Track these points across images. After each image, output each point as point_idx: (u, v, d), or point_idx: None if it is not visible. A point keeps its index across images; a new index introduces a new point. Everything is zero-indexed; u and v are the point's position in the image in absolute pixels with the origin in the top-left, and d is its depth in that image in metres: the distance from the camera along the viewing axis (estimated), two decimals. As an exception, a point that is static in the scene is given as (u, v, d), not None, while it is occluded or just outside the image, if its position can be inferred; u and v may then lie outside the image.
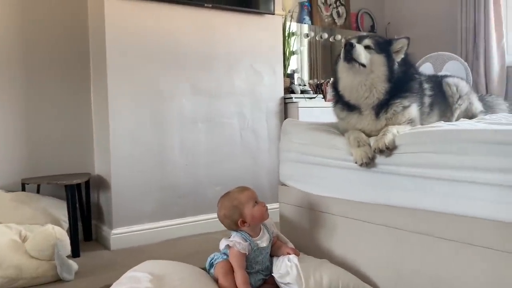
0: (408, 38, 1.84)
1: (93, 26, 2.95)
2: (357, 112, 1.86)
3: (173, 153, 2.98)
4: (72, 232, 2.56)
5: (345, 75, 1.84)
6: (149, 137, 2.89)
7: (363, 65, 1.76)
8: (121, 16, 2.76)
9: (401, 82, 1.82)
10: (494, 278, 1.39)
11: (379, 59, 1.79)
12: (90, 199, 2.95)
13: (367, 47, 1.80)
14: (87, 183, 2.92)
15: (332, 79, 2.03)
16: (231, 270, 1.69)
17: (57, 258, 2.13)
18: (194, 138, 3.07)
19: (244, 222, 1.75)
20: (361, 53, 1.76)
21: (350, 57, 1.75)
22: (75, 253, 2.53)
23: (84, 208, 2.91)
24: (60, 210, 2.68)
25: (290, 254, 1.78)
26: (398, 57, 1.84)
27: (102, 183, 2.92)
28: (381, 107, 1.80)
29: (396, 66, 1.81)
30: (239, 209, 1.75)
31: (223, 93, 3.19)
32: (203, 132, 3.11)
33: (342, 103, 1.92)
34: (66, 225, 2.63)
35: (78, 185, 2.79)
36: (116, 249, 2.72)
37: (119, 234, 2.76)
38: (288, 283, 1.65)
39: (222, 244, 1.77)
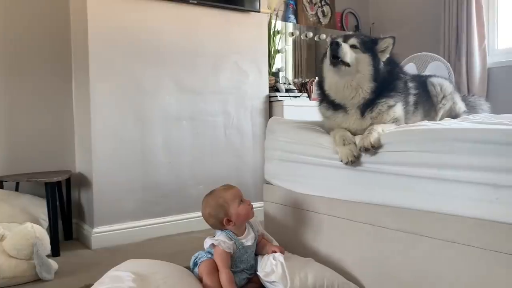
0: (393, 38, 1.85)
1: (75, 21, 2.89)
2: (343, 111, 1.86)
3: (157, 151, 2.94)
4: (52, 231, 2.51)
5: (331, 75, 1.84)
6: (132, 135, 2.84)
7: (348, 65, 1.76)
8: (104, 11, 2.71)
9: (387, 82, 1.83)
10: (476, 275, 1.40)
11: (365, 59, 1.80)
12: (71, 197, 2.89)
13: (353, 46, 1.80)
14: (67, 180, 2.86)
15: (317, 78, 2.02)
16: (215, 269, 1.67)
17: (36, 257, 2.08)
18: (178, 136, 3.03)
19: (229, 220, 1.73)
20: (347, 52, 1.76)
21: (336, 61, 1.75)
22: (55, 252, 2.48)
23: (65, 206, 2.86)
24: (40, 208, 2.62)
25: (275, 252, 1.77)
26: (384, 57, 1.84)
27: (83, 181, 2.87)
28: (367, 106, 1.81)
29: (381, 65, 1.81)
30: (224, 208, 1.74)
31: (208, 91, 3.17)
32: (187, 130, 3.08)
33: (327, 102, 1.92)
34: (46, 223, 2.57)
35: (59, 182, 2.73)
36: (97, 248, 2.67)
37: (101, 233, 2.72)
38: (273, 281, 1.64)
39: (207, 243, 1.75)
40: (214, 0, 3.11)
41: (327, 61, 1.83)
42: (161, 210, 2.96)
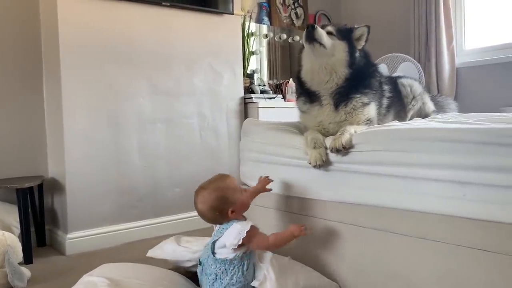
0: (368, 26, 1.91)
1: (46, 22, 2.84)
2: (318, 104, 1.90)
3: (131, 154, 2.92)
4: (25, 238, 2.45)
5: (307, 59, 1.87)
6: (106, 138, 2.81)
7: (324, 46, 1.79)
8: (75, 13, 2.67)
9: (362, 74, 1.87)
10: (447, 270, 1.44)
11: (341, 45, 1.84)
12: (44, 203, 2.84)
13: (329, 33, 1.84)
14: (40, 186, 2.81)
15: (296, 69, 2.04)
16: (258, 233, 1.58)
17: (8, 265, 2.04)
18: (152, 138, 3.02)
19: (233, 211, 1.59)
20: (323, 34, 1.80)
21: (311, 38, 1.78)
22: (27, 260, 2.43)
23: (37, 212, 2.80)
24: (11, 215, 2.56)
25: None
26: (359, 45, 1.90)
27: (56, 186, 2.82)
28: (341, 98, 1.84)
29: (357, 53, 1.87)
30: (228, 198, 1.60)
31: (182, 93, 3.16)
32: (162, 132, 3.06)
33: (304, 95, 1.96)
34: (17, 230, 2.52)
35: (31, 188, 2.67)
36: (71, 254, 2.63)
37: (75, 239, 2.68)
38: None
39: (230, 242, 1.52)
40: (187, 2, 3.11)
41: (304, 46, 1.87)
42: (137, 213, 2.94)
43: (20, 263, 2.14)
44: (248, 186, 2.23)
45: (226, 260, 1.53)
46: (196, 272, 1.80)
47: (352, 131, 1.72)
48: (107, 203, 2.81)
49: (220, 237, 1.55)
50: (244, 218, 1.65)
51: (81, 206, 2.71)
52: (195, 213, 3.24)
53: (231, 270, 1.53)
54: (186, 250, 1.85)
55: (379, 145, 1.60)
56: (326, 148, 1.77)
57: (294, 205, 1.96)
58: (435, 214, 1.46)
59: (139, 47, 2.94)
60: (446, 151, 1.42)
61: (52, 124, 2.85)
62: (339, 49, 1.83)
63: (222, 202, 1.58)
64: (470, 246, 1.38)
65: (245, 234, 1.50)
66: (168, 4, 3.01)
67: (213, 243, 1.57)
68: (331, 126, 1.86)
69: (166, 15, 3.05)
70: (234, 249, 1.52)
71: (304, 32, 1.82)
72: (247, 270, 1.55)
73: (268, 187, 1.82)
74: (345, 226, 1.74)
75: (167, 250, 1.88)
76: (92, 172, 2.75)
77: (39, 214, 2.81)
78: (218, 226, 1.62)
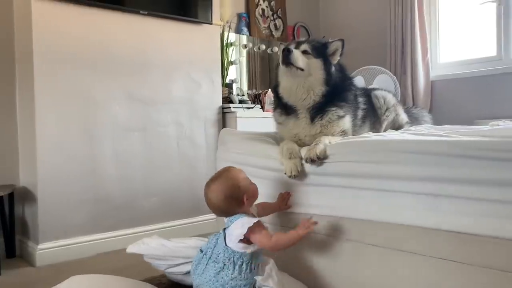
0: (342, 40, 1.92)
1: (19, 29, 2.78)
2: (294, 116, 1.90)
3: (106, 163, 2.87)
4: (-8, 249, 2.38)
5: (285, 78, 1.88)
6: (80, 147, 2.76)
7: (301, 69, 1.81)
8: (49, 20, 2.63)
9: (338, 88, 1.89)
10: (420, 282, 1.45)
11: (317, 64, 1.85)
12: (14, 213, 2.76)
13: (304, 52, 1.85)
14: (10, 195, 2.73)
15: (272, 87, 2.05)
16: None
17: (-26, 277, 1.97)
18: (128, 147, 2.97)
19: (247, 198, 1.58)
20: (298, 58, 1.81)
21: (288, 62, 1.79)
22: (-5, 271, 2.36)
23: (7, 222, 2.72)
24: (-21, 225, 2.49)
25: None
26: (334, 59, 1.91)
27: (27, 195, 2.74)
28: (317, 111, 1.86)
29: (333, 69, 1.88)
30: (240, 185, 1.58)
31: (159, 101, 3.13)
32: (138, 141, 3.03)
33: (281, 107, 1.96)
34: (-15, 241, 2.44)
35: (0, 197, 2.60)
36: (42, 266, 2.56)
37: (46, 249, 2.61)
38: (271, 286, 1.53)
39: (234, 237, 1.51)
40: (166, 11, 3.10)
41: (281, 67, 1.88)
42: (111, 223, 2.88)
43: (-14, 275, 2.07)
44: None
45: (236, 252, 1.51)
46: (171, 283, 1.78)
47: (326, 142, 1.73)
48: (80, 213, 2.75)
49: (229, 226, 1.55)
50: (253, 215, 1.63)
51: (53, 216, 2.65)
52: (172, 223, 3.22)
53: (239, 264, 1.51)
54: (182, 244, 1.78)
55: (352, 156, 1.61)
56: (301, 158, 1.77)
57: (269, 216, 1.94)
58: (408, 226, 1.47)
59: (116, 55, 2.91)
60: (418, 163, 1.44)
61: (24, 131, 2.79)
62: (316, 67, 1.85)
63: (236, 189, 1.57)
64: (443, 258, 1.40)
65: (247, 227, 1.49)
66: (146, 12, 3.00)
67: (224, 230, 1.57)
68: (307, 139, 1.87)
69: (144, 24, 3.04)
70: (242, 241, 1.50)
71: (280, 56, 1.83)
72: (255, 269, 1.54)
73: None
74: (319, 237, 1.74)
75: (154, 244, 1.80)
76: (65, 181, 2.69)
77: (9, 224, 2.73)
78: (226, 219, 1.60)
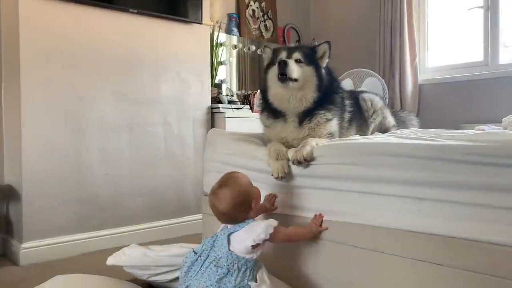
0: (328, 42, 1.93)
1: (6, 25, 2.75)
2: (282, 120, 1.91)
3: (93, 162, 2.85)
4: (-25, 247, 2.35)
5: (278, 87, 1.86)
6: (66, 145, 2.73)
7: (295, 80, 1.81)
8: (37, 17, 2.61)
9: (328, 92, 1.90)
10: (402, 284, 1.47)
11: (310, 71, 1.86)
12: (-2, 211, 2.73)
13: (297, 61, 1.85)
14: (-6, 193, 2.70)
15: (260, 88, 2.05)
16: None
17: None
18: (115, 146, 2.95)
19: (255, 204, 1.58)
20: (294, 70, 1.81)
21: (284, 77, 1.79)
22: (-23, 270, 2.32)
23: (-9, 220, 2.69)
24: (-38, 223, 2.45)
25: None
26: (323, 63, 1.92)
27: (12, 194, 2.71)
28: (306, 115, 1.86)
29: (324, 74, 1.89)
30: (249, 190, 1.58)
31: (148, 101, 3.12)
32: (125, 140, 3.01)
33: (268, 110, 1.96)
34: (-32, 239, 2.41)
35: (-16, 195, 2.57)
36: (26, 265, 2.53)
37: (30, 248, 2.58)
38: None
39: (248, 241, 1.48)
40: (156, 10, 3.09)
41: (271, 72, 1.89)
42: (96, 223, 2.86)
43: (-32, 274, 2.04)
44: (211, 196, 2.20)
45: (241, 258, 1.48)
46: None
47: (313, 144, 1.74)
48: (65, 212, 2.73)
49: (237, 231, 1.51)
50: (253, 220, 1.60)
51: (38, 215, 2.62)
52: (158, 223, 3.20)
53: (243, 270, 1.47)
54: (164, 253, 1.76)
55: (338, 158, 1.63)
56: (288, 160, 1.78)
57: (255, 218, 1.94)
58: (391, 229, 1.49)
59: (104, 53, 2.89)
60: (401, 166, 1.45)
61: (9, 129, 2.75)
62: (309, 75, 1.85)
63: (245, 196, 1.55)
64: (425, 260, 1.41)
65: (269, 233, 1.48)
66: (136, 11, 2.98)
67: (229, 235, 1.51)
68: (294, 142, 1.88)
69: (133, 22, 3.02)
70: (253, 247, 1.47)
71: (276, 67, 1.81)
72: (257, 274, 1.52)
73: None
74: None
75: (135, 254, 1.77)
76: (51, 180, 2.67)
77: (-7, 222, 2.70)
78: (229, 226, 1.55)
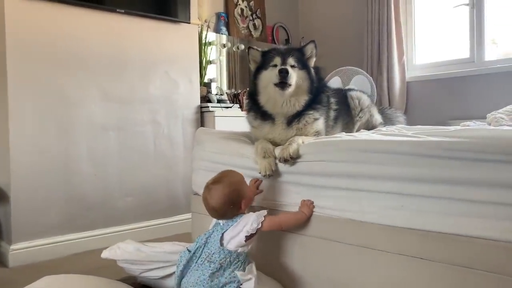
0: (314, 42, 1.94)
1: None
2: (270, 122, 1.92)
3: (81, 162, 2.84)
4: (-37, 249, 2.34)
5: (271, 92, 1.86)
6: (54, 145, 2.72)
7: (290, 85, 1.82)
8: (24, 17, 2.60)
9: (317, 92, 1.92)
10: (387, 278, 1.49)
11: (303, 75, 1.88)
12: (-14, 213, 2.71)
13: (292, 66, 1.86)
14: (-18, 195, 2.68)
15: (250, 90, 2.04)
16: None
17: None
18: (104, 146, 2.95)
19: (245, 203, 1.63)
20: (293, 76, 1.82)
21: (284, 85, 1.79)
22: (-35, 273, 2.31)
23: (-21, 222, 2.67)
24: (-51, 225, 2.44)
25: None
26: (311, 63, 1.94)
27: (0, 195, 2.69)
28: (295, 117, 1.88)
29: (314, 76, 1.91)
30: (241, 191, 1.62)
31: (136, 100, 3.12)
32: (114, 140, 3.00)
33: (255, 111, 1.97)
34: (-45, 241, 2.39)
35: (-28, 197, 2.55)
36: (14, 266, 2.52)
37: (19, 250, 2.57)
38: (250, 278, 1.57)
39: (249, 226, 1.54)
40: (143, 9, 3.08)
41: (263, 77, 1.89)
42: (85, 223, 2.85)
43: (-44, 276, 2.03)
44: (200, 195, 2.22)
45: (233, 252, 1.53)
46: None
47: (300, 142, 1.76)
48: (54, 213, 2.72)
49: (228, 229, 1.56)
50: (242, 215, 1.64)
51: (27, 216, 2.61)
52: (148, 222, 3.20)
53: (235, 263, 1.54)
54: (158, 249, 1.78)
55: (324, 155, 1.65)
56: (275, 157, 1.80)
57: (243, 214, 1.96)
58: (378, 225, 1.51)
59: (92, 53, 2.89)
60: (384, 162, 1.48)
61: (-3, 130, 2.74)
62: (302, 79, 1.87)
63: (236, 195, 1.60)
64: (409, 255, 1.44)
65: (260, 222, 1.55)
66: (123, 11, 2.98)
67: (222, 234, 1.56)
68: (283, 142, 1.89)
69: (121, 22, 3.01)
70: (246, 239, 1.53)
71: (277, 76, 1.80)
72: (246, 267, 1.57)
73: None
74: (289, 235, 1.77)
75: (129, 249, 1.80)
76: (39, 181, 2.66)
77: (-19, 224, 2.68)
78: (221, 221, 1.61)
